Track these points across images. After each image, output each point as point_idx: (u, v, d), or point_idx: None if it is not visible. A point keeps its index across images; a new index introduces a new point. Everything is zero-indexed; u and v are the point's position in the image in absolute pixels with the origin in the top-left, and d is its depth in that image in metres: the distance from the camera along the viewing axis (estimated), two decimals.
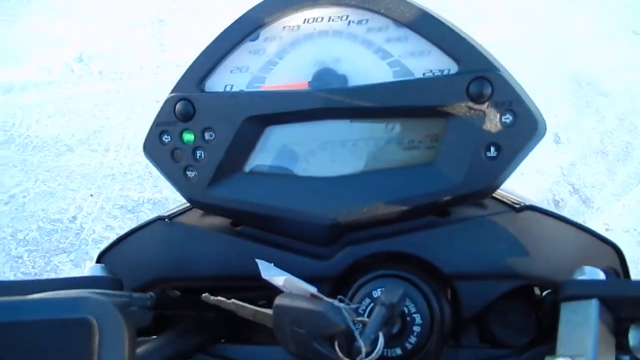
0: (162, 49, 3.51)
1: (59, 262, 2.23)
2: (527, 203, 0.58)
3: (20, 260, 2.24)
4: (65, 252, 2.28)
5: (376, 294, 0.54)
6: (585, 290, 0.48)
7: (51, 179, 2.66)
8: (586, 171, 2.92)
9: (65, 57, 3.38)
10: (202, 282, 0.61)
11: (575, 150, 3.02)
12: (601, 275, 0.52)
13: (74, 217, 2.45)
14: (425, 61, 0.56)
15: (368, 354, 0.45)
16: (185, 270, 0.61)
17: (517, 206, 0.57)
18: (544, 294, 0.64)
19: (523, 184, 2.80)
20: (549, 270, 0.56)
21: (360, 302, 0.54)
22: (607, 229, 2.62)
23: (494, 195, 0.59)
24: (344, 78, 0.57)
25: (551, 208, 2.71)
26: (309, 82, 0.57)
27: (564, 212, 2.70)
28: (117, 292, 0.49)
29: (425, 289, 0.54)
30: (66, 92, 3.16)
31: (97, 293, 0.41)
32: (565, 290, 0.49)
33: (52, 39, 3.50)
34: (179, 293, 0.66)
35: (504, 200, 0.59)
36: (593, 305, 0.47)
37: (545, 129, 0.54)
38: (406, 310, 0.53)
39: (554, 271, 0.56)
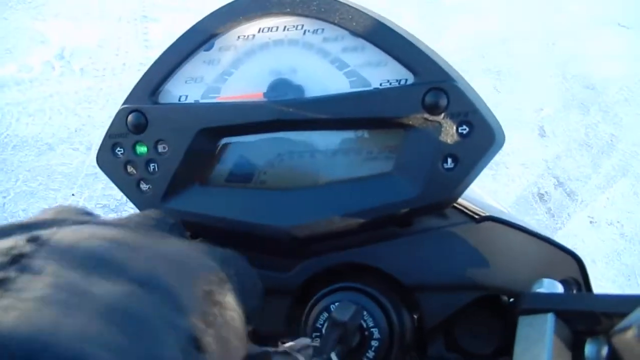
0: (146, 45, 3.47)
1: None
2: (488, 213, 0.58)
3: None
4: None
5: (333, 308, 0.53)
6: (542, 304, 0.48)
7: (32, 179, 2.63)
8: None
9: (46, 54, 3.33)
10: None
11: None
12: (559, 288, 0.51)
13: None
14: (382, 71, 0.55)
15: None
16: None
17: (477, 217, 0.57)
18: (510, 301, 0.64)
19: (508, 176, 2.81)
20: (510, 281, 0.55)
21: (317, 316, 0.53)
22: (591, 222, 2.64)
23: (456, 204, 0.59)
24: (300, 89, 0.55)
25: (536, 201, 2.73)
26: (264, 93, 0.56)
27: (549, 205, 2.72)
28: None
29: (384, 302, 0.53)
30: (47, 89, 3.12)
31: None
32: (522, 304, 0.49)
33: (33, 36, 3.45)
34: None
35: (465, 210, 0.59)
36: (549, 319, 0.47)
37: (504, 139, 0.53)
38: (364, 325, 0.52)
39: (514, 282, 0.55)
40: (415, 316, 0.58)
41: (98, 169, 0.58)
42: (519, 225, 0.57)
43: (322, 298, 0.55)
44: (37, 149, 2.79)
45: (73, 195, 2.53)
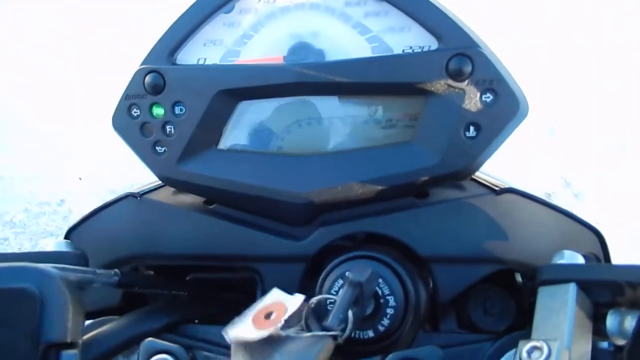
0: None
1: None
2: (508, 186, 0.57)
3: None
4: None
5: (349, 275, 0.52)
6: (563, 274, 0.47)
7: None
8: None
9: None
10: (172, 261, 0.59)
11: None
12: (580, 260, 0.50)
13: None
14: (405, 37, 0.54)
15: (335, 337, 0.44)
16: (155, 249, 0.59)
17: (496, 189, 0.56)
18: (524, 280, 0.63)
19: None
20: (528, 255, 0.54)
21: (332, 283, 0.52)
22: None
23: (473, 177, 0.58)
24: (320, 53, 0.55)
25: None
26: (284, 57, 0.55)
27: None
28: (78, 268, 0.47)
29: (401, 271, 0.52)
30: None
31: (52, 267, 0.40)
32: (543, 274, 0.48)
33: None
34: (151, 272, 0.65)
35: (484, 182, 0.58)
36: (570, 289, 0.46)
37: (528, 109, 0.52)
38: (380, 292, 0.51)
39: (533, 256, 0.54)
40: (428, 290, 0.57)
41: None
42: (539, 198, 0.55)
43: (337, 265, 0.54)
44: None
45: (80, 179, 2.53)
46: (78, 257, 0.53)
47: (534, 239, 0.55)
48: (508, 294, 0.59)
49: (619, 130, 2.93)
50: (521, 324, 0.57)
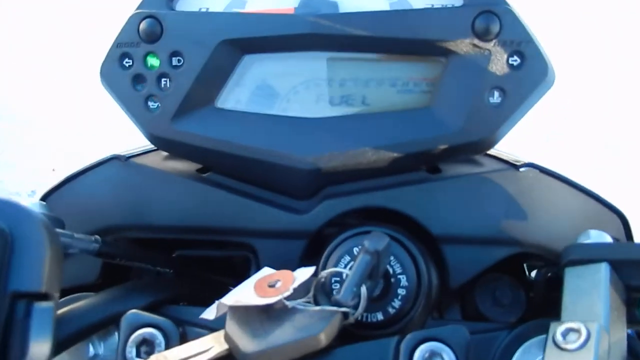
0: None
1: None
2: (527, 161, 0.53)
3: None
4: None
5: (357, 251, 0.47)
6: (594, 253, 0.43)
7: None
8: None
9: None
10: (161, 233, 0.54)
11: None
12: (608, 239, 0.46)
13: None
14: None
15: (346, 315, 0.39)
16: (141, 219, 0.53)
17: (517, 163, 0.52)
18: (533, 272, 0.59)
19: None
20: (549, 237, 0.51)
21: (338, 260, 0.48)
22: None
23: (489, 152, 0.54)
24: (334, 5, 0.50)
25: None
26: (295, 9, 0.51)
27: None
28: (57, 230, 0.42)
29: (413, 249, 0.48)
30: None
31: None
32: (571, 253, 0.44)
33: None
34: (135, 245, 0.59)
35: (502, 157, 0.54)
36: (603, 269, 0.42)
37: (554, 77, 0.49)
38: (391, 271, 0.47)
39: (554, 238, 0.51)
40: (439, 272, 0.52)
41: None
42: (562, 175, 0.52)
43: (344, 241, 0.49)
44: None
45: (54, 170, 2.43)
46: (55, 221, 0.47)
47: (556, 219, 0.51)
48: (517, 283, 0.55)
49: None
50: (531, 316, 0.53)
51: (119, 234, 0.54)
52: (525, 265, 0.60)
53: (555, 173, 0.52)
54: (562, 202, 0.52)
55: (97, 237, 0.45)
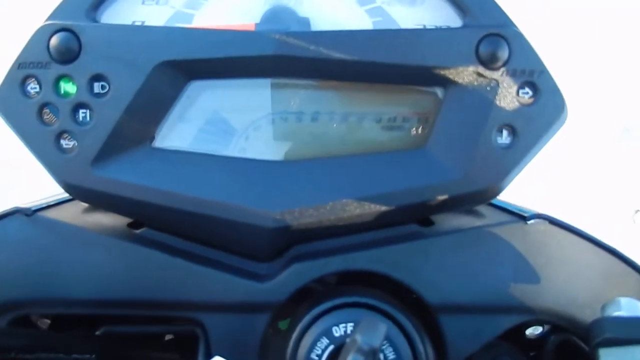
0: None
1: None
2: (535, 212, 0.45)
3: None
4: None
5: (338, 331, 0.38)
6: (636, 332, 0.36)
7: None
8: None
9: None
10: (78, 308, 0.43)
11: None
12: None
13: None
14: (418, 11, 0.42)
15: None
16: (52, 291, 0.42)
17: (525, 215, 0.43)
18: (528, 331, 0.51)
19: None
20: (566, 302, 0.43)
21: (313, 344, 0.38)
22: None
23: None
24: (305, 22, 0.41)
25: None
26: (256, 24, 0.41)
27: None
28: None
29: (408, 327, 0.39)
30: None
31: None
32: (605, 331, 0.37)
33: None
34: (45, 324, 0.47)
35: (505, 207, 0.45)
36: None
37: (567, 114, 0.41)
38: (382, 357, 0.37)
39: (571, 303, 0.43)
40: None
41: None
42: (577, 229, 0.44)
43: (319, 317, 0.38)
44: None
45: None
46: None
47: (572, 280, 0.44)
48: (519, 350, 0.48)
49: None
50: None
51: (20, 312, 0.42)
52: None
53: (568, 225, 0.44)
54: (578, 260, 0.44)
55: None
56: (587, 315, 0.41)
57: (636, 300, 0.39)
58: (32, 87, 0.39)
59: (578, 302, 0.43)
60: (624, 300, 0.40)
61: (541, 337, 0.48)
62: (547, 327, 0.47)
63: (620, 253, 0.44)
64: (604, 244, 0.44)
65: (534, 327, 0.49)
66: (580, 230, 0.44)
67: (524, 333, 0.50)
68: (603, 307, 0.40)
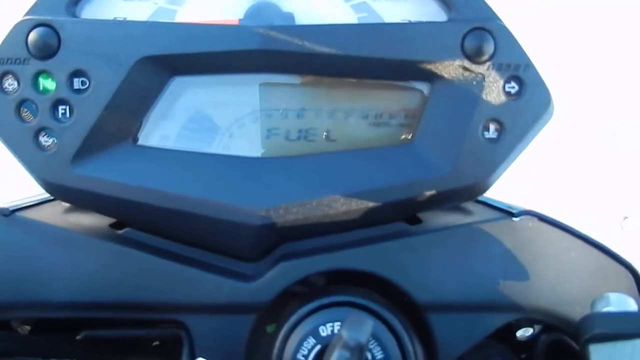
0: None
1: None
2: (523, 208, 0.45)
3: None
4: None
5: (325, 330, 0.37)
6: (624, 327, 0.36)
7: None
8: None
9: None
10: (58, 311, 0.41)
11: None
12: (633, 306, 0.38)
13: None
14: (403, 6, 0.42)
15: None
16: (30, 294, 0.40)
17: (513, 211, 0.43)
18: (518, 332, 0.50)
19: None
20: (555, 299, 0.43)
21: (300, 344, 0.37)
22: None
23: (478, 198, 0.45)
24: (289, 16, 0.41)
25: None
26: (240, 20, 0.40)
27: None
28: None
29: (396, 326, 0.38)
30: None
31: None
32: (595, 327, 0.36)
33: None
34: (25, 328, 0.45)
35: (493, 204, 0.45)
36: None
37: (553, 108, 0.41)
38: (369, 357, 0.36)
39: (561, 300, 0.43)
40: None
41: None
42: (565, 225, 0.44)
43: (305, 317, 0.38)
44: None
45: None
46: None
47: (561, 277, 0.43)
48: (510, 350, 0.47)
49: None
50: None
51: (3, 315, 0.41)
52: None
53: (556, 221, 0.44)
54: (567, 256, 0.44)
55: None
56: (577, 312, 0.41)
57: (625, 296, 0.39)
58: (10, 83, 0.39)
59: (568, 298, 0.42)
60: (613, 296, 0.39)
61: (532, 338, 0.48)
62: (537, 328, 0.47)
63: (609, 249, 0.44)
64: (593, 240, 0.44)
65: (524, 328, 0.49)
66: (568, 226, 0.44)
67: (515, 334, 0.50)
68: (592, 303, 0.39)
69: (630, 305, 0.39)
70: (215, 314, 0.41)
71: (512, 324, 0.50)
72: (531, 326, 0.48)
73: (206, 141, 0.41)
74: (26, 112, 0.39)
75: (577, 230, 0.44)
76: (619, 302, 0.39)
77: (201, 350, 0.40)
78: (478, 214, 0.45)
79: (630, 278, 0.45)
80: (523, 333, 0.49)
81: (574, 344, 0.43)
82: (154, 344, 0.49)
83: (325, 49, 0.38)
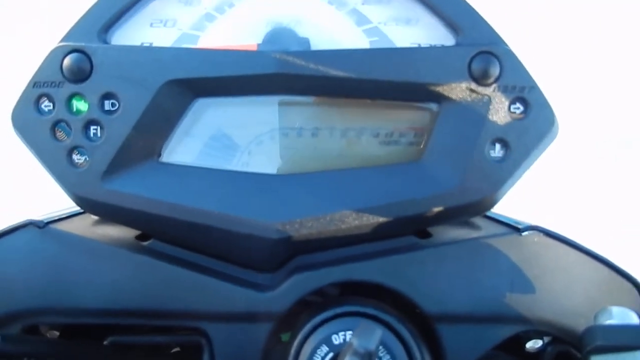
0: None
1: None
2: (528, 223, 0.46)
3: None
4: None
5: (337, 339, 0.39)
6: (625, 339, 0.37)
7: None
8: None
9: None
10: (88, 318, 0.44)
11: None
12: (635, 319, 0.39)
13: None
14: (412, 31, 0.44)
15: None
16: (62, 300, 0.43)
17: (519, 227, 0.45)
18: (528, 344, 0.51)
19: None
20: (561, 312, 0.44)
21: (314, 351, 0.39)
22: None
23: (485, 213, 0.47)
24: (305, 42, 0.43)
25: None
26: (258, 45, 0.43)
27: None
28: None
29: (405, 335, 0.39)
30: None
31: None
32: (597, 339, 0.37)
33: None
34: (54, 333, 0.48)
35: (500, 219, 0.46)
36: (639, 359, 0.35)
37: (558, 128, 0.43)
38: None
39: (566, 313, 0.44)
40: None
41: None
42: (570, 240, 0.45)
43: (319, 326, 0.40)
44: None
45: None
46: None
47: (566, 291, 0.44)
48: None
49: None
50: None
51: (32, 321, 0.44)
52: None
53: (562, 237, 0.45)
54: (571, 270, 0.45)
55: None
56: (581, 324, 0.42)
57: (627, 309, 0.40)
58: (46, 105, 0.41)
59: (572, 311, 0.43)
60: (615, 309, 0.40)
61: (540, 350, 0.49)
62: (547, 339, 0.48)
63: (613, 263, 0.45)
64: (597, 254, 0.45)
65: (534, 340, 0.50)
66: (573, 241, 0.45)
67: (524, 346, 0.51)
68: (595, 316, 0.40)
69: (632, 318, 0.40)
70: (233, 322, 0.43)
71: (521, 337, 0.51)
72: (540, 338, 0.49)
73: (226, 158, 0.43)
74: (60, 132, 0.42)
75: (582, 245, 0.45)
76: (621, 315, 0.40)
77: (220, 356, 0.42)
78: (486, 228, 0.46)
79: (634, 292, 0.46)
80: (533, 345, 0.50)
81: (579, 355, 0.45)
82: (173, 350, 0.52)
83: (339, 73, 0.41)
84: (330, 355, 0.38)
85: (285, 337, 0.45)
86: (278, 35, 0.43)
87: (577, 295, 0.44)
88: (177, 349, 0.51)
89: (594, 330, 0.38)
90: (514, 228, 0.45)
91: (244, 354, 0.42)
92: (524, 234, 0.45)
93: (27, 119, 0.42)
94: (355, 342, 0.32)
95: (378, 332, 0.33)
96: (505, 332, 0.43)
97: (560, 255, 0.45)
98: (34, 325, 0.45)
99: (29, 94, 0.41)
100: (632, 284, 0.45)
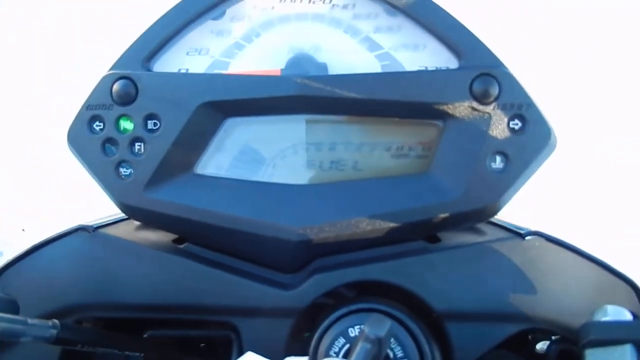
0: None
1: None
2: (531, 229, 0.49)
3: None
4: None
5: (353, 332, 0.43)
6: (616, 334, 0.40)
7: None
8: None
9: None
10: (130, 312, 0.49)
11: None
12: (628, 316, 0.42)
13: None
14: (420, 56, 0.48)
15: None
16: (109, 296, 0.48)
17: (521, 232, 0.48)
18: (538, 345, 0.55)
19: None
20: (561, 311, 0.47)
21: (332, 343, 0.43)
22: None
23: (491, 220, 0.50)
24: (323, 67, 0.48)
25: None
26: (282, 70, 0.48)
27: None
28: (4, 315, 0.36)
29: (415, 330, 0.43)
30: None
31: None
32: (590, 333, 0.40)
33: None
34: (99, 327, 0.52)
35: (504, 225, 0.50)
36: (628, 351, 0.38)
37: (556, 141, 0.46)
38: (391, 354, 0.42)
39: (566, 312, 0.46)
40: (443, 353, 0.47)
41: None
42: (569, 244, 0.48)
43: (337, 320, 0.44)
44: None
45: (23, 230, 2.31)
46: (5, 303, 0.41)
47: (566, 292, 0.47)
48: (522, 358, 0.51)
49: None
50: None
51: (83, 314, 0.49)
52: (529, 336, 0.56)
53: (562, 241, 0.48)
54: (571, 273, 0.48)
55: (55, 321, 0.40)
56: (580, 322, 0.45)
57: (621, 308, 0.43)
58: (97, 125, 0.47)
59: (572, 310, 0.46)
60: (610, 308, 0.43)
61: (547, 349, 0.52)
62: (555, 338, 0.51)
63: (610, 266, 0.48)
64: (595, 257, 0.48)
65: (543, 342, 0.53)
66: (572, 245, 0.49)
67: (533, 346, 0.54)
68: (592, 314, 0.43)
69: (626, 316, 0.43)
70: (260, 317, 0.47)
71: (531, 338, 0.54)
72: (549, 339, 0.52)
73: (253, 170, 0.48)
74: (109, 149, 0.47)
75: (580, 249, 0.49)
76: (616, 313, 0.43)
77: (248, 348, 0.46)
78: (490, 234, 0.50)
79: (631, 293, 0.49)
80: (542, 346, 0.53)
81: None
82: (202, 345, 0.56)
83: (354, 95, 0.45)
84: (347, 346, 0.42)
85: (308, 334, 0.49)
86: (299, 61, 0.48)
87: (576, 296, 0.47)
88: (204, 344, 0.56)
89: (589, 326, 0.41)
90: (517, 233, 0.49)
91: (269, 345, 0.47)
92: (526, 238, 0.48)
93: (81, 137, 0.47)
94: (367, 330, 0.36)
95: (387, 322, 0.37)
96: (509, 329, 0.46)
97: (560, 258, 0.48)
98: (79, 321, 0.50)
99: (82, 115, 0.47)
100: (629, 284, 0.48)
